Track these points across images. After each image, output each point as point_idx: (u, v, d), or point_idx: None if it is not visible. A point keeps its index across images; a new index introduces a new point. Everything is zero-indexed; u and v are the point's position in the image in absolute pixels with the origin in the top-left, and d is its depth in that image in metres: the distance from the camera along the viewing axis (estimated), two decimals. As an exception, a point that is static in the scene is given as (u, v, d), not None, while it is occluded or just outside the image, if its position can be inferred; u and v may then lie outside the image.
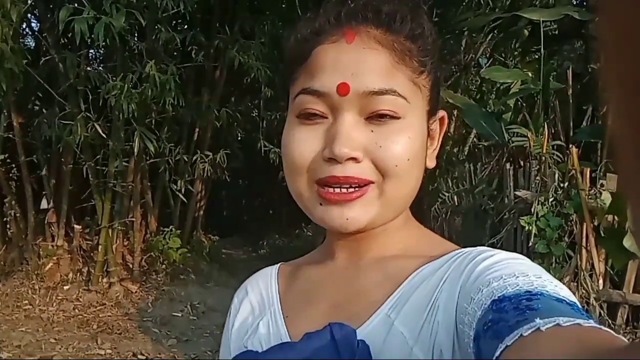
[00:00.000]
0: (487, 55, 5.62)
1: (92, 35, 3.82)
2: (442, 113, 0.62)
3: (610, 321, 2.67)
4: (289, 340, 0.58)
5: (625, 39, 0.17)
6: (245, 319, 0.65)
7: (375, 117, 0.54)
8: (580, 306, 0.42)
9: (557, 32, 4.28)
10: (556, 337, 0.36)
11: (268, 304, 0.65)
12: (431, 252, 0.57)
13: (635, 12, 0.17)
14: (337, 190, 0.54)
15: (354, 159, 0.53)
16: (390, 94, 0.54)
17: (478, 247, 0.54)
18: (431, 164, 0.61)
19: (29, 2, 4.09)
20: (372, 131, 0.54)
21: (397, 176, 0.54)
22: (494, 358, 0.38)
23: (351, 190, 0.54)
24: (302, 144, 0.56)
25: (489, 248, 0.54)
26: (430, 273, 0.54)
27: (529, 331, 0.37)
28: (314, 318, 0.58)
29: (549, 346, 0.36)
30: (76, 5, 3.95)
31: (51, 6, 4.87)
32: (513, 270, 0.47)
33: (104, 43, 3.93)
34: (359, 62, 0.54)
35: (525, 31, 4.55)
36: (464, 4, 4.78)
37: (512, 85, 4.31)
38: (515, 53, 5.35)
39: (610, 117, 0.19)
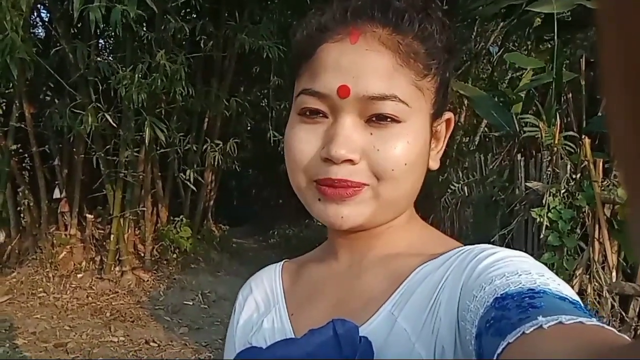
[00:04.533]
0: (499, 44, 5.54)
1: (106, 24, 3.83)
2: (448, 115, 0.61)
3: (622, 314, 2.65)
4: (294, 337, 0.59)
5: (625, 30, 0.17)
6: (250, 316, 0.66)
7: (376, 120, 0.54)
8: (583, 305, 0.42)
9: (570, 19, 4.20)
10: (558, 335, 0.36)
11: (273, 301, 0.65)
12: (434, 250, 0.57)
13: (634, 3, 0.16)
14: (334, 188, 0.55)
15: (350, 160, 0.53)
16: (391, 99, 0.53)
17: (480, 245, 0.54)
18: (434, 165, 0.60)
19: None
20: (371, 134, 0.54)
21: (393, 180, 0.54)
22: (496, 355, 0.38)
23: (348, 189, 0.54)
24: (302, 142, 0.56)
25: (492, 245, 0.53)
26: (432, 270, 0.54)
27: (531, 329, 0.37)
28: (318, 315, 0.58)
29: (551, 344, 0.36)
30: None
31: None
32: (516, 268, 0.46)
33: (114, 33, 3.94)
34: (360, 65, 0.53)
35: (538, 19, 4.47)
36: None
37: (523, 75, 4.24)
38: (528, 42, 5.27)
39: (609, 112, 0.19)
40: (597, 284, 2.60)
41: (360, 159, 0.54)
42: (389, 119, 0.53)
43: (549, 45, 4.46)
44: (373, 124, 0.54)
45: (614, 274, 2.66)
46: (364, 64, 0.53)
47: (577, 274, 2.63)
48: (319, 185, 0.55)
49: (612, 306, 2.61)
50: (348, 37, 0.54)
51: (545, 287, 0.43)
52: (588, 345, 0.34)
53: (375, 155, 0.53)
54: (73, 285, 4.95)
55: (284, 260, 0.72)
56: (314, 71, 0.55)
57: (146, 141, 4.67)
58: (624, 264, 2.72)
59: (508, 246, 2.68)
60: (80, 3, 3.78)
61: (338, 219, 0.55)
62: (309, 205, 0.57)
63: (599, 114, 3.46)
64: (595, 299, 2.58)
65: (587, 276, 2.64)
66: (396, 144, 0.53)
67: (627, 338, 0.36)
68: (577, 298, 0.43)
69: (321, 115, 0.55)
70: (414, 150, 0.55)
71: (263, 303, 0.66)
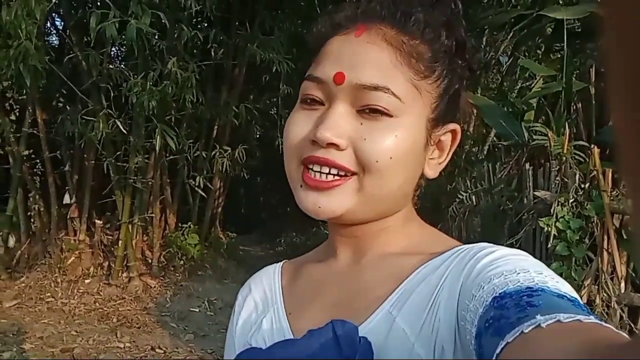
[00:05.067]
0: (508, 54, 5.54)
1: (119, 34, 3.89)
2: (453, 125, 0.60)
3: (631, 325, 2.61)
4: (292, 336, 0.59)
5: (629, 34, 0.17)
6: (249, 316, 0.66)
7: (368, 111, 0.55)
8: (581, 302, 0.42)
9: (579, 29, 4.19)
10: (557, 333, 0.36)
11: (271, 301, 0.65)
12: (433, 249, 0.57)
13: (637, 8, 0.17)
14: (317, 175, 0.55)
15: (336, 145, 0.54)
16: (383, 91, 0.54)
17: (479, 244, 0.54)
18: (432, 174, 0.60)
19: (54, 0, 4.17)
20: (361, 124, 0.55)
21: (377, 172, 0.54)
22: (495, 355, 0.38)
23: (330, 178, 0.55)
24: (296, 125, 0.58)
25: (490, 244, 0.53)
26: (431, 270, 0.54)
27: (530, 328, 0.37)
28: (316, 315, 0.58)
29: (549, 343, 0.36)
30: (99, 4, 4.01)
31: (74, 4, 4.96)
32: (514, 267, 0.46)
33: (126, 42, 4.00)
34: (359, 55, 0.55)
35: (549, 29, 4.46)
36: (486, 1, 4.72)
37: (533, 85, 4.23)
38: (538, 51, 5.26)
39: (614, 117, 0.19)
40: (605, 294, 2.57)
41: (346, 147, 0.54)
42: (380, 112, 0.54)
43: (559, 55, 4.45)
44: (365, 115, 0.55)
45: (622, 284, 2.63)
46: (362, 55, 0.55)
47: (586, 285, 2.60)
48: (305, 169, 0.56)
49: (621, 317, 2.57)
50: (354, 32, 0.56)
51: (544, 285, 0.43)
52: (587, 344, 0.34)
53: (362, 144, 0.54)
54: (81, 291, 4.98)
55: (283, 261, 0.72)
56: (319, 60, 0.58)
57: (157, 149, 4.71)
58: (633, 274, 2.69)
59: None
60: (97, 22, 3.84)
61: (315, 208, 0.55)
62: (293, 190, 0.58)
63: (609, 124, 3.43)
64: (604, 309, 2.55)
65: (596, 287, 2.61)
66: (384, 136, 0.54)
67: (626, 336, 0.36)
68: (575, 295, 0.43)
69: (318, 102, 0.57)
70: (402, 146, 0.54)
71: (261, 302, 0.66)
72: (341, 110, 0.55)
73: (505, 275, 0.45)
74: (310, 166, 0.56)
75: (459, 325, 0.47)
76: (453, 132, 0.60)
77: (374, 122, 0.54)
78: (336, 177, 0.55)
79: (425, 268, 0.54)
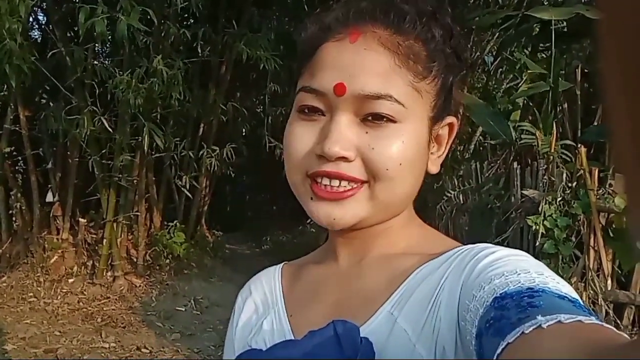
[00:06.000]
0: (494, 54, 5.59)
1: (113, 35, 3.83)
2: (450, 119, 0.60)
3: (617, 322, 2.66)
4: (293, 338, 0.59)
5: (626, 31, 0.17)
6: (249, 318, 0.66)
7: (371, 119, 0.54)
8: (582, 303, 0.42)
9: (566, 30, 4.24)
10: (558, 334, 0.36)
11: (272, 302, 0.65)
12: (433, 250, 0.56)
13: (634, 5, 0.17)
14: (328, 187, 0.54)
15: (344, 158, 0.53)
16: (386, 99, 0.53)
17: (480, 244, 0.54)
18: (434, 169, 0.60)
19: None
20: (366, 132, 0.54)
21: (388, 179, 0.54)
22: (496, 355, 0.38)
23: (342, 188, 0.54)
24: (299, 139, 0.56)
25: (491, 245, 0.53)
26: (432, 270, 0.54)
27: (531, 328, 0.37)
28: (317, 316, 0.58)
29: (550, 343, 0.36)
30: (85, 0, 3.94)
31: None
32: (515, 267, 0.46)
33: (111, 37, 3.94)
34: (357, 63, 0.54)
35: (536, 29, 4.51)
36: (472, 1, 4.76)
37: (519, 85, 4.28)
38: (525, 51, 5.31)
39: (609, 114, 0.19)
40: (592, 291, 2.61)
41: (355, 157, 0.54)
42: (384, 119, 0.53)
43: (544, 56, 4.50)
44: (369, 123, 0.54)
45: (608, 281, 2.68)
46: (361, 63, 0.53)
47: (572, 282, 2.64)
48: (313, 181, 0.55)
49: (607, 314, 2.62)
50: (348, 37, 0.55)
51: (544, 286, 0.43)
52: (587, 344, 0.34)
53: (370, 154, 0.53)
54: (64, 290, 4.90)
55: (283, 263, 0.72)
56: (314, 69, 0.56)
57: (145, 148, 4.65)
58: (619, 272, 2.74)
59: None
60: (85, 17, 3.77)
61: (330, 220, 0.55)
62: (303, 203, 0.57)
63: (595, 123, 3.48)
64: (590, 306, 2.59)
65: (582, 284, 2.65)
66: (391, 143, 0.53)
67: (627, 336, 0.36)
68: (576, 296, 0.43)
69: (319, 112, 0.55)
70: (410, 151, 0.54)
71: (262, 304, 0.66)
72: (345, 121, 0.54)
73: (506, 276, 0.45)
74: (319, 179, 0.55)
75: (460, 326, 0.47)
76: (450, 125, 0.60)
77: (379, 130, 0.54)
78: (347, 188, 0.54)
79: (426, 268, 0.54)
